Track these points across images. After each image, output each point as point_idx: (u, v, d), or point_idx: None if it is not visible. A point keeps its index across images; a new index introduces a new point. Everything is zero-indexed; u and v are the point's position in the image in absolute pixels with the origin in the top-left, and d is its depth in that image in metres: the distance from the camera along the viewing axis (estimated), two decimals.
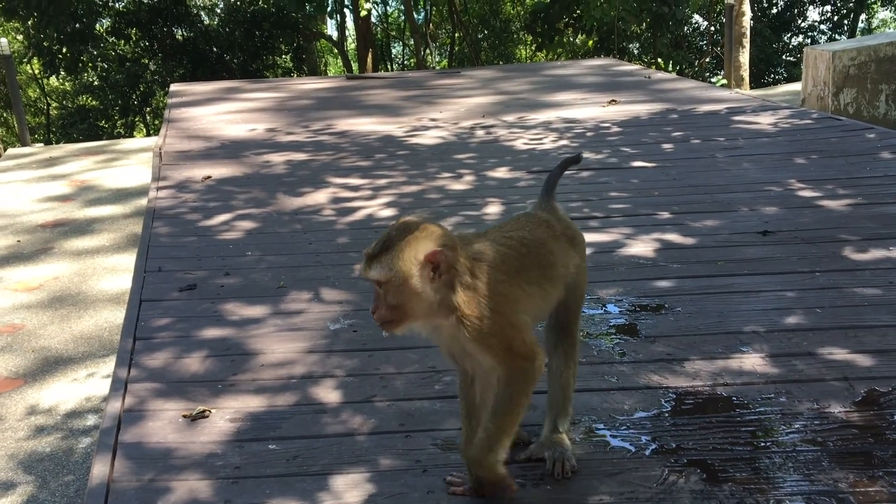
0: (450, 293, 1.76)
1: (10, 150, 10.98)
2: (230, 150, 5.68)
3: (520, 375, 1.82)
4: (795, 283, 3.05)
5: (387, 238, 1.74)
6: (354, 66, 18.84)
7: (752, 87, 14.74)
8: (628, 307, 2.92)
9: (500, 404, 1.84)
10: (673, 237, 3.59)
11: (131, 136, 17.49)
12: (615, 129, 5.84)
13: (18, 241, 6.93)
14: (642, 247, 3.50)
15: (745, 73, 14.01)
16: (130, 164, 9.53)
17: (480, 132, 5.99)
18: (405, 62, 22.59)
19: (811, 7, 21.08)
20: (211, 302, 3.08)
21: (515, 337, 1.82)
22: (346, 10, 17.92)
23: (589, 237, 3.63)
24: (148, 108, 18.11)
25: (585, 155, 5.12)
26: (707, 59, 18.40)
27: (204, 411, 2.30)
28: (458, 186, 4.60)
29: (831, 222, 3.67)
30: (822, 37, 20.73)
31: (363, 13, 16.38)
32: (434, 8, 20.77)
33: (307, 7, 14.93)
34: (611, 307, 2.94)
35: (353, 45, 20.05)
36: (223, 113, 7.14)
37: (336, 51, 21.57)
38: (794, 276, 3.11)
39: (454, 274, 1.76)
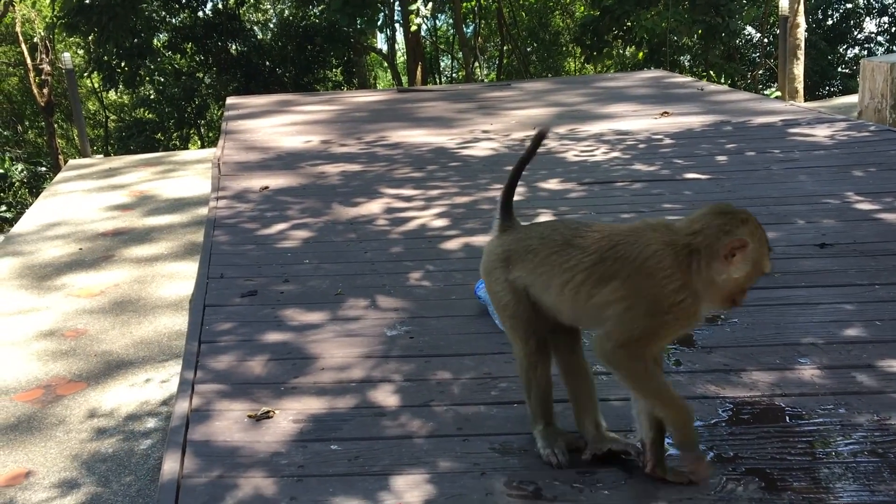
0: None
1: (72, 161, 11.33)
2: (286, 161, 5.80)
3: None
4: (854, 295, 3.03)
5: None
6: (404, 80, 19.03)
7: (806, 100, 14.52)
8: None
9: None
10: None
11: (186, 148, 17.89)
12: (668, 140, 5.83)
13: (81, 248, 7.16)
14: None
15: (800, 86, 13.81)
16: (187, 174, 9.77)
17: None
18: (454, 75, 22.73)
19: (868, 18, 20.70)
20: (271, 308, 3.16)
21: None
22: (397, 25, 18.12)
23: None
24: (202, 121, 18.51)
25: (637, 167, 5.12)
26: (760, 72, 18.18)
27: (268, 412, 2.37)
28: None
29: (891, 235, 3.63)
30: (879, 48, 20.33)
31: (413, 28, 16.55)
32: (483, 21, 20.89)
33: (358, 22, 15.15)
34: None
35: (402, 59, 20.24)
36: (278, 125, 7.29)
37: (386, 64, 21.81)
38: (853, 289, 3.08)
39: None
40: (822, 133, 5.72)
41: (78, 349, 5.29)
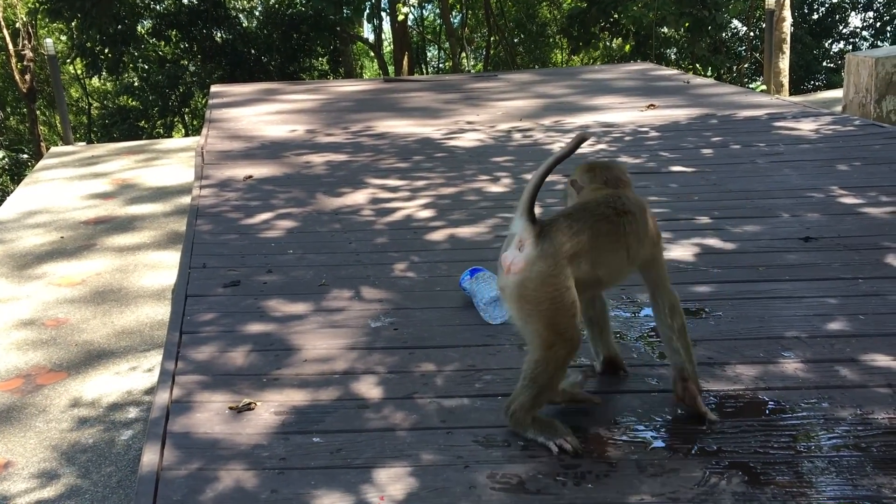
0: None
1: (54, 149, 11.21)
2: (270, 150, 5.76)
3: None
4: (838, 289, 3.03)
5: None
6: (390, 69, 18.95)
7: (791, 94, 14.57)
8: None
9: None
10: (713, 242, 3.58)
11: (170, 136, 17.75)
12: (653, 133, 5.83)
13: (62, 237, 7.08)
14: (681, 251, 3.49)
15: (785, 80, 13.85)
16: (170, 163, 9.69)
17: (518, 135, 6.01)
18: (441, 65, 22.66)
19: (853, 13, 20.79)
20: (254, 298, 3.13)
21: None
22: (384, 14, 18.03)
23: None
24: (186, 109, 18.36)
25: (623, 159, 5.11)
26: (746, 65, 18.22)
27: (250, 404, 2.35)
28: (495, 189, 4.62)
29: (875, 229, 3.64)
30: (864, 43, 20.42)
31: (400, 17, 16.47)
32: (470, 12, 20.82)
33: (344, 11, 15.05)
34: (649, 310, 2.94)
35: (389, 49, 20.16)
36: (263, 114, 7.24)
37: (372, 53, 21.70)
38: (837, 283, 3.09)
39: None
40: (807, 127, 5.74)
41: (58, 338, 5.23)
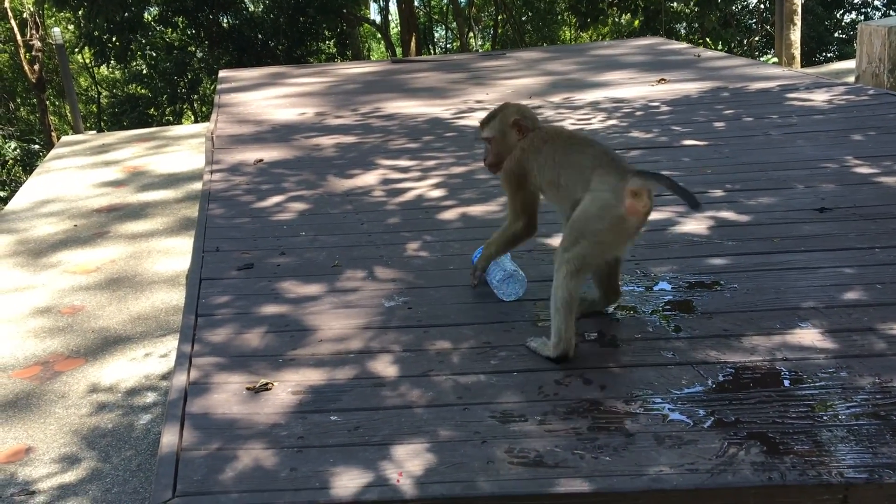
0: (527, 141, 2.72)
1: (65, 138, 11.24)
2: (280, 133, 5.75)
3: (510, 225, 2.81)
4: (854, 259, 3.01)
5: (491, 113, 2.81)
6: (398, 51, 18.86)
7: (803, 66, 14.41)
8: (683, 284, 2.91)
9: (498, 232, 2.91)
10: (727, 215, 3.56)
11: (180, 123, 17.76)
12: (665, 108, 5.78)
13: (75, 225, 7.12)
14: (696, 224, 3.47)
15: (797, 52, 13.69)
16: (180, 149, 9.71)
17: None
18: (448, 46, 22.54)
19: None
20: (268, 280, 3.14)
21: (517, 202, 2.75)
22: None
23: None
24: (195, 96, 18.36)
25: (634, 134, 5.08)
26: (757, 38, 18.03)
27: (267, 384, 2.36)
28: None
29: (890, 198, 3.60)
30: (877, 13, 20.16)
31: None
32: None
33: None
34: (664, 284, 2.93)
35: (396, 30, 20.06)
36: (272, 98, 7.23)
37: (379, 35, 21.61)
38: (853, 253, 3.06)
39: (532, 128, 2.74)
40: (820, 98, 5.68)
41: (75, 325, 5.27)
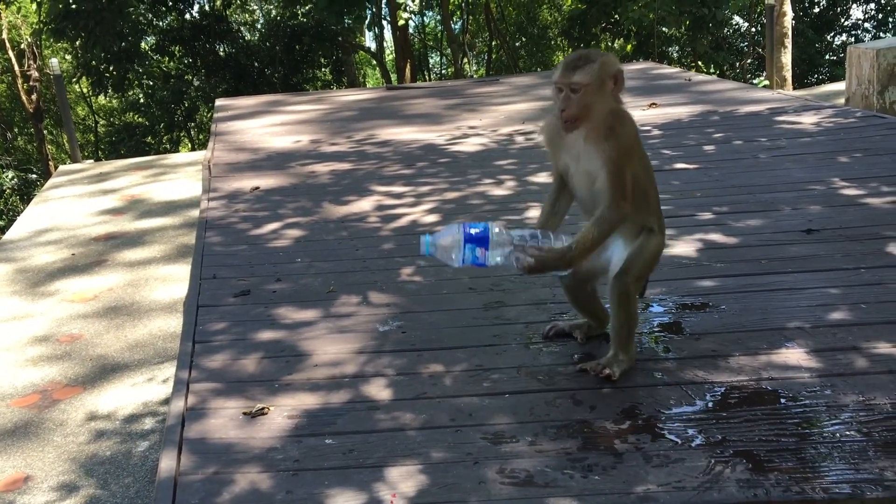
0: (618, 107, 2.36)
1: (62, 167, 11.32)
2: (276, 161, 5.82)
3: (615, 211, 2.33)
4: (840, 279, 3.06)
5: (585, 54, 2.34)
6: (393, 77, 19.03)
7: (795, 88, 14.57)
8: (672, 306, 2.96)
9: (597, 222, 2.35)
10: (716, 237, 3.62)
11: (177, 151, 17.87)
12: (656, 132, 5.86)
13: (73, 254, 7.16)
14: (685, 247, 3.53)
15: (788, 74, 13.87)
16: (178, 177, 9.78)
17: (520, 138, 6.06)
18: (443, 71, 22.74)
19: (854, 5, 20.77)
20: (264, 306, 3.19)
21: (628, 183, 2.32)
22: (385, 22, 18.13)
23: None
24: (192, 124, 18.49)
25: None
26: (748, 61, 18.23)
27: (263, 409, 2.40)
28: (499, 192, 4.67)
29: (876, 219, 3.67)
30: (867, 35, 20.40)
31: (401, 23, 16.55)
32: (471, 17, 20.90)
33: (346, 20, 15.14)
34: (655, 307, 2.98)
35: (391, 56, 20.25)
36: (268, 126, 7.31)
37: (374, 62, 21.79)
38: (839, 273, 3.12)
39: (619, 97, 2.36)
40: (808, 120, 5.77)
41: (73, 353, 5.30)
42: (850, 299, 2.88)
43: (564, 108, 2.30)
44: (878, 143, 4.97)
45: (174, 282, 6.39)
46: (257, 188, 5.06)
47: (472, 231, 2.36)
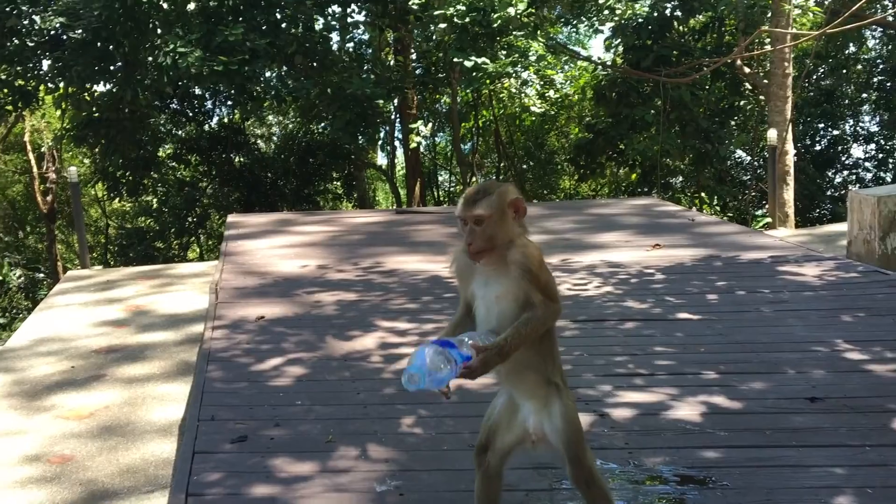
0: (522, 232, 2.43)
1: (70, 273, 11.40)
2: (283, 287, 5.87)
3: (550, 310, 2.39)
4: (845, 458, 3.03)
5: (483, 187, 2.42)
6: (402, 194, 19.40)
7: (797, 224, 14.78)
8: (675, 478, 2.92)
9: (528, 319, 2.36)
10: (720, 400, 3.60)
11: (185, 255, 18.03)
12: (659, 276, 5.92)
13: (73, 366, 7.12)
14: (690, 410, 3.50)
15: (790, 210, 14.10)
16: (184, 288, 9.82)
17: None
18: (452, 189, 23.18)
19: (854, 145, 21.31)
20: (261, 456, 3.15)
21: (552, 283, 2.44)
22: (397, 142, 18.63)
23: (634, 396, 3.67)
24: (202, 231, 18.74)
25: (630, 304, 5.18)
26: (752, 194, 18.58)
27: None
28: None
29: (880, 389, 3.66)
30: (867, 174, 20.84)
31: (413, 145, 17.01)
32: (481, 139, 21.48)
33: (359, 139, 15.56)
34: (657, 483, 2.93)
35: (402, 173, 20.70)
36: (277, 247, 7.41)
37: (385, 178, 22.26)
38: (844, 451, 3.09)
39: (523, 222, 2.43)
40: (811, 272, 5.82)
41: (63, 476, 5.19)
42: (855, 482, 2.84)
43: (471, 242, 2.38)
44: (881, 303, 5.00)
45: (171, 402, 6.32)
46: (262, 317, 5.09)
47: (427, 361, 2.35)
